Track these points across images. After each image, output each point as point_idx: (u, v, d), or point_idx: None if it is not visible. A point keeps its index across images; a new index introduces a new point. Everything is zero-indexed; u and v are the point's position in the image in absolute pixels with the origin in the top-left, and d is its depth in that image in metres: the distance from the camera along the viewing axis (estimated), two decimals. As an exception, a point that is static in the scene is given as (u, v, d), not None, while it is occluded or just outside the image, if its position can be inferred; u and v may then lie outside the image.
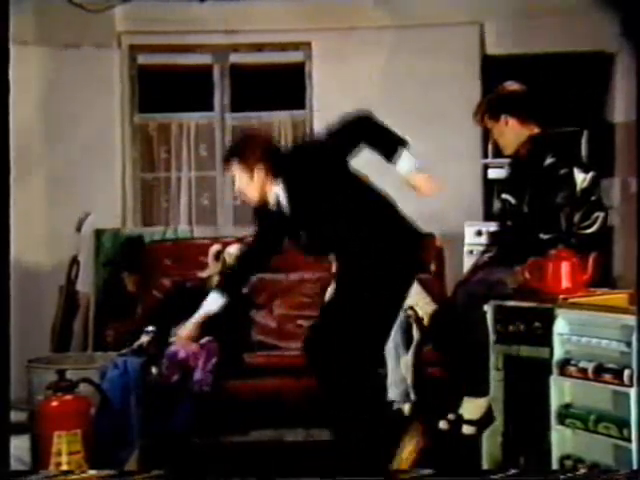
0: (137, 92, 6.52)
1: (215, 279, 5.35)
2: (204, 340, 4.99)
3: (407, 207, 3.85)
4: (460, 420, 3.80)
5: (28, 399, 4.69)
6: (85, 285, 6.03)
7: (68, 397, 4.06)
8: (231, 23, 6.31)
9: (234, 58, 6.52)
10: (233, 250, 5.42)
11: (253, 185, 3.71)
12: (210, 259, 5.49)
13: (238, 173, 3.73)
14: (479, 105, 4.15)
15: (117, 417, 4.43)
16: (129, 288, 6.09)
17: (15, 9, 3.21)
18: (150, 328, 4.98)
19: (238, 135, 3.75)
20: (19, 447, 4.02)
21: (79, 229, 5.94)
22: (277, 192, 3.70)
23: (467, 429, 3.81)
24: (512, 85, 4.06)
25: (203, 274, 5.48)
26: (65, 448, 3.95)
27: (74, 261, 5.87)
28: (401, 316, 5.11)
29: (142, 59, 6.52)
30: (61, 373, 4.13)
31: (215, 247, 5.51)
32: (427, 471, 3.52)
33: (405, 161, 3.66)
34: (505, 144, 4.03)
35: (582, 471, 3.44)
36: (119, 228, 6.35)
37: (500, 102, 4.02)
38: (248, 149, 3.74)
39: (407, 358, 4.99)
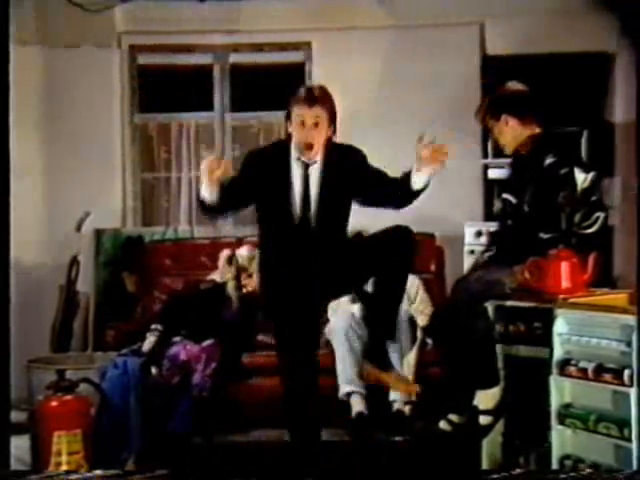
0: (137, 92, 6.51)
1: (231, 283, 5.36)
2: (206, 343, 4.98)
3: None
4: (476, 412, 3.79)
5: (28, 399, 4.69)
6: (85, 285, 6.03)
7: (68, 397, 4.07)
8: (231, 23, 6.31)
9: (234, 58, 6.51)
10: (244, 252, 5.43)
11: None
12: (222, 264, 5.47)
13: None
14: (480, 104, 4.16)
15: (117, 417, 4.43)
16: (129, 288, 6.09)
17: (15, 9, 3.21)
18: (157, 326, 4.99)
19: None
20: (19, 447, 4.02)
21: (79, 229, 5.93)
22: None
23: (484, 419, 3.81)
24: (514, 85, 4.06)
25: (217, 278, 5.47)
26: (65, 448, 3.96)
27: (74, 261, 5.87)
28: (406, 318, 5.14)
29: (142, 59, 6.51)
30: (61, 373, 4.13)
31: (226, 252, 5.50)
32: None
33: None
34: (505, 144, 4.04)
35: (582, 471, 3.44)
36: (119, 228, 6.35)
37: (501, 102, 4.03)
38: None
39: (410, 358, 5.01)
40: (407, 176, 3.75)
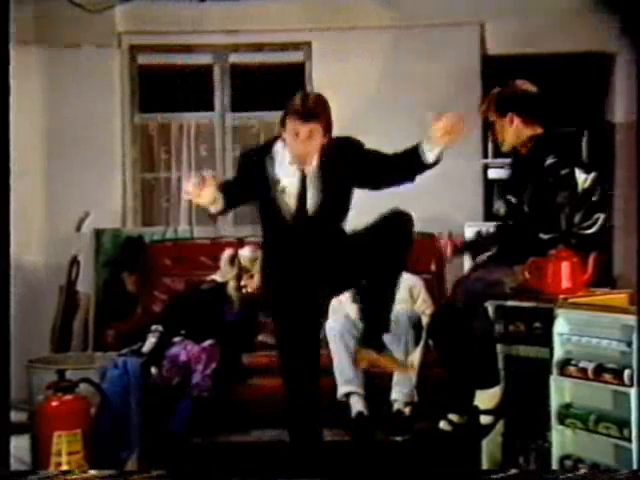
0: (137, 92, 6.52)
1: (232, 284, 5.36)
2: (206, 343, 4.99)
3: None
4: (476, 412, 3.79)
5: (28, 399, 4.69)
6: (85, 285, 6.03)
7: (68, 397, 4.07)
8: (231, 23, 6.31)
9: (234, 58, 6.52)
10: (247, 253, 5.43)
11: None
12: (224, 264, 5.47)
13: None
14: (488, 97, 4.13)
15: (117, 417, 4.43)
16: (129, 288, 6.09)
17: (15, 9, 3.22)
18: (157, 327, 4.98)
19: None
20: (19, 447, 4.02)
21: (79, 229, 5.94)
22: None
23: (484, 419, 3.81)
24: (524, 84, 4.03)
25: (218, 278, 5.47)
26: (65, 448, 3.96)
27: (74, 261, 5.87)
28: (412, 317, 5.15)
29: (142, 59, 6.51)
30: (61, 373, 4.14)
31: (228, 252, 5.51)
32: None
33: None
34: (504, 141, 4.02)
35: (582, 471, 3.44)
36: (119, 228, 6.35)
37: (510, 100, 3.99)
38: None
39: (414, 357, 5.02)
40: (415, 149, 3.60)
